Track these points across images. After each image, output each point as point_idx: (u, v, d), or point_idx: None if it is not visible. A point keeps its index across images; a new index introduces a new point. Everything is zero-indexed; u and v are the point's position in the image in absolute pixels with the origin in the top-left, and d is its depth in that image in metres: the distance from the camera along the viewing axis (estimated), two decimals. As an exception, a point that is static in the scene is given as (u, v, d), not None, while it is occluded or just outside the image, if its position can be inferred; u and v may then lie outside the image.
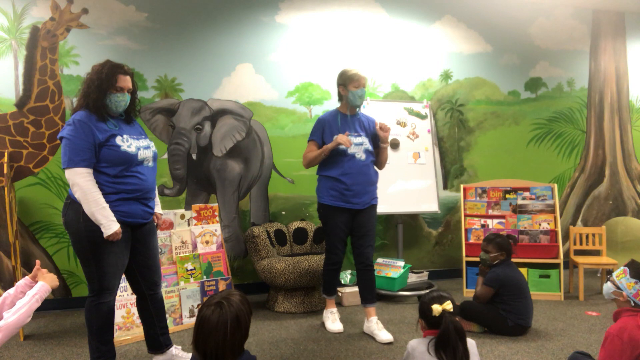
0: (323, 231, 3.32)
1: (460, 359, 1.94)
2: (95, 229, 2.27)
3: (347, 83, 3.15)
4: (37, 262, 2.23)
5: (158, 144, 4.09)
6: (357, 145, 3.14)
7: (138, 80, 4.06)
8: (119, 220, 2.31)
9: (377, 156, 3.28)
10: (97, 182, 2.29)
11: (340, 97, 3.25)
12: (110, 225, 2.27)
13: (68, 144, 2.26)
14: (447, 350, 1.93)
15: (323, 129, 3.19)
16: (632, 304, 2.14)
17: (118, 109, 2.39)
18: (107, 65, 2.36)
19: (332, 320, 3.33)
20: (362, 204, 3.18)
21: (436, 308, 1.97)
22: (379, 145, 3.25)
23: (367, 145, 3.19)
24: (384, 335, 3.09)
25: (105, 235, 2.27)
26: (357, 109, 3.27)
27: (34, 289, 2.00)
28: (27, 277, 2.20)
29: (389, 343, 3.04)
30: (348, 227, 3.22)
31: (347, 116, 3.22)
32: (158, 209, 2.67)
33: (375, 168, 3.30)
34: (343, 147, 3.08)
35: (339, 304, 3.97)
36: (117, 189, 2.33)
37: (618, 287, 2.16)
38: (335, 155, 3.11)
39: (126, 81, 2.38)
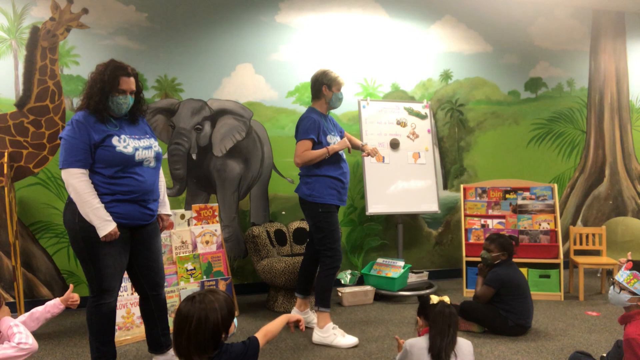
0: (321, 231, 3.14)
1: (447, 344, 2.02)
2: (90, 229, 2.25)
3: (332, 85, 3.17)
4: (71, 286, 2.27)
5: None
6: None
7: (138, 80, 4.06)
8: (114, 221, 2.29)
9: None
10: (93, 182, 2.28)
11: (319, 97, 3.21)
12: (104, 225, 2.25)
13: (65, 144, 2.26)
14: (436, 331, 2.05)
15: (319, 128, 3.15)
16: None
17: (120, 111, 2.36)
18: (110, 67, 2.32)
19: (342, 334, 3.07)
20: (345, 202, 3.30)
21: (434, 297, 2.17)
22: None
23: None
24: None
25: (100, 236, 2.25)
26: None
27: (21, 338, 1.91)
28: (57, 299, 2.23)
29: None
30: None
31: (325, 116, 3.26)
32: (165, 210, 2.63)
33: None
34: (341, 151, 3.21)
35: (338, 304, 3.98)
36: (112, 190, 2.31)
37: (634, 293, 2.15)
38: (334, 155, 3.17)
39: (129, 83, 2.34)
